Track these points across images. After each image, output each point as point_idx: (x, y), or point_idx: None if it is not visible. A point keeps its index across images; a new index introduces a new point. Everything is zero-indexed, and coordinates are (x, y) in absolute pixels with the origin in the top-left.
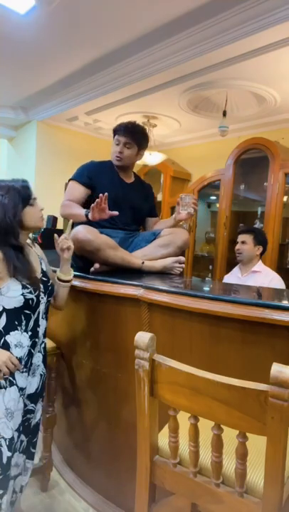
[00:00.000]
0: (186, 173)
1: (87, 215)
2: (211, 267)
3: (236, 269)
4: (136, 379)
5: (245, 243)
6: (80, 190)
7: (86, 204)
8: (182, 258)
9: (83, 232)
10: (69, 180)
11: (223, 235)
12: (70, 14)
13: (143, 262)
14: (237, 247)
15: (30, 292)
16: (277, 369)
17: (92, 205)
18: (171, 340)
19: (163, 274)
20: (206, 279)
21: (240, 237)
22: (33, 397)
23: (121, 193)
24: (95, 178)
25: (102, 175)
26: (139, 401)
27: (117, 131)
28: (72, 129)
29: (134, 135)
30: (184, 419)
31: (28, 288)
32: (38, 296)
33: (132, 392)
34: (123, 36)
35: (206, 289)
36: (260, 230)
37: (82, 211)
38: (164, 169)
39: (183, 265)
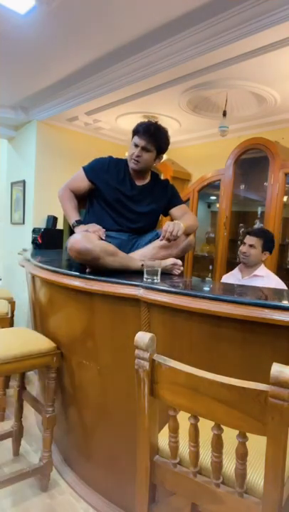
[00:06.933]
0: (186, 173)
1: (73, 227)
2: (211, 267)
3: (236, 271)
4: (136, 379)
5: (254, 247)
6: (83, 183)
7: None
8: (179, 261)
9: (81, 242)
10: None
11: (223, 235)
12: (70, 14)
13: (142, 265)
14: (244, 249)
15: None
16: (277, 369)
17: (92, 229)
18: (171, 340)
19: (163, 274)
20: (206, 279)
21: (249, 239)
22: None
23: (129, 195)
24: (102, 175)
25: (113, 174)
26: (139, 401)
27: (136, 132)
28: (72, 129)
29: (155, 139)
30: (184, 419)
31: None
32: None
33: (132, 392)
34: (123, 36)
35: (206, 289)
36: (270, 234)
37: (73, 217)
38: (164, 169)
39: (182, 268)
